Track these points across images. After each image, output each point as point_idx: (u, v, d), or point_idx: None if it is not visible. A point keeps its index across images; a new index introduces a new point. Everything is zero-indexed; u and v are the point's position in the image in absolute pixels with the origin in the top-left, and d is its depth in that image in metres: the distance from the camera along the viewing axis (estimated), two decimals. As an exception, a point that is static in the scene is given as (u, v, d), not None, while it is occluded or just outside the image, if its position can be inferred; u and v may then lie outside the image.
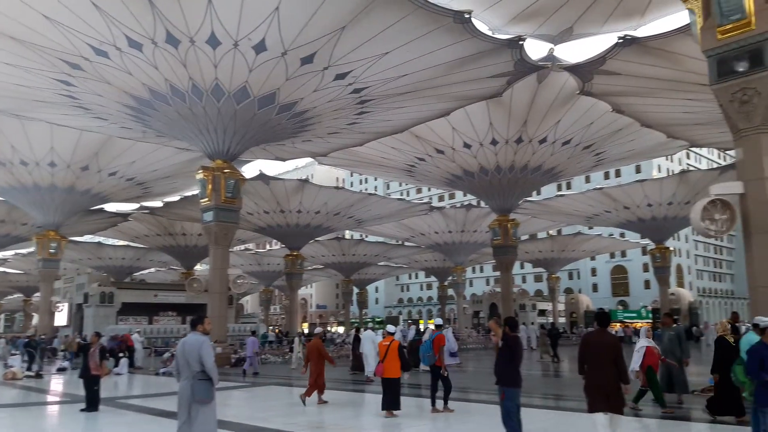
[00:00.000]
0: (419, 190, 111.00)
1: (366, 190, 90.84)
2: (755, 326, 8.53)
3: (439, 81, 21.72)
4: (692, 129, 27.31)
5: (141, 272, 67.85)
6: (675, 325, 13.80)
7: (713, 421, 10.27)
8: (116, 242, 63.28)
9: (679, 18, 17.73)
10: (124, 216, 45.79)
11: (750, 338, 8.49)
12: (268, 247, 77.00)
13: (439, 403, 11.58)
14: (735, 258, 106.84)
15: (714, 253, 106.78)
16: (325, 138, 27.48)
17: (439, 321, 13.40)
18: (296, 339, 25.88)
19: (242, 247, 65.66)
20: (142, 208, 43.56)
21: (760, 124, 12.08)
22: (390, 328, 13.12)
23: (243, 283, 28.95)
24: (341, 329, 69.26)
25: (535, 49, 21.89)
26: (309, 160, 36.59)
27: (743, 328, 17.10)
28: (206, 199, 24.41)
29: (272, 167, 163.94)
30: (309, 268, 65.88)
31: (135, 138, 27.49)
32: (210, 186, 24.15)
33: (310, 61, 19.38)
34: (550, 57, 22.75)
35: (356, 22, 17.72)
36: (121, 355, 23.65)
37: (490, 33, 19.36)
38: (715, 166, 70.10)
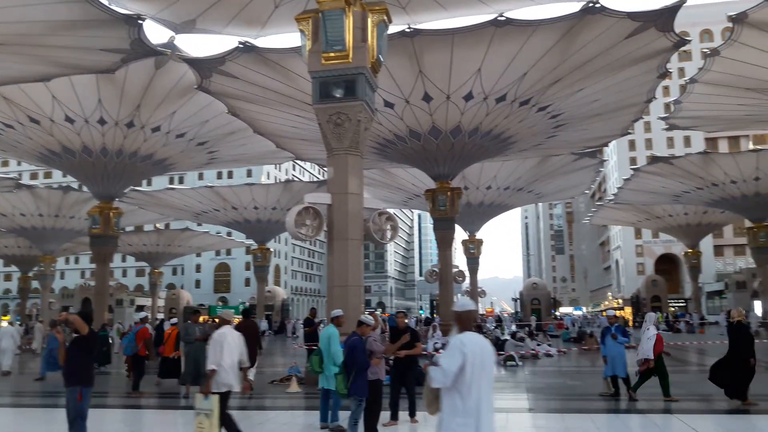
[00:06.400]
0: (6, 163, 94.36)
1: (-72, 154, 72.99)
2: (333, 319, 9.56)
3: (38, 40, 18.65)
4: (298, 143, 29.94)
5: None
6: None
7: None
8: None
9: (296, 38, 19.28)
10: None
11: (329, 330, 9.12)
12: None
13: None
14: (323, 261, 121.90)
15: (308, 256, 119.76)
16: None
17: (143, 314, 16.08)
18: (38, 325, 25.61)
19: None
20: None
21: (348, 146, 13.86)
22: (174, 320, 16.23)
23: None
24: None
25: (156, 33, 20.84)
26: None
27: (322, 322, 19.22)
28: None
29: None
30: None
31: None
32: None
33: None
34: (171, 45, 22.01)
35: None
36: None
37: (105, 1, 17.56)
38: (315, 179, 78.87)
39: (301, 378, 13.81)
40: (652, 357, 11.15)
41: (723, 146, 72.90)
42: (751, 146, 43.74)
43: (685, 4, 18.68)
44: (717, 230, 61.58)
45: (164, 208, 46.08)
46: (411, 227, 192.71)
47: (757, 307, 44.87)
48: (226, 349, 7.06)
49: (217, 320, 7.89)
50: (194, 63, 21.92)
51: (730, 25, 21.79)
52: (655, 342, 11.28)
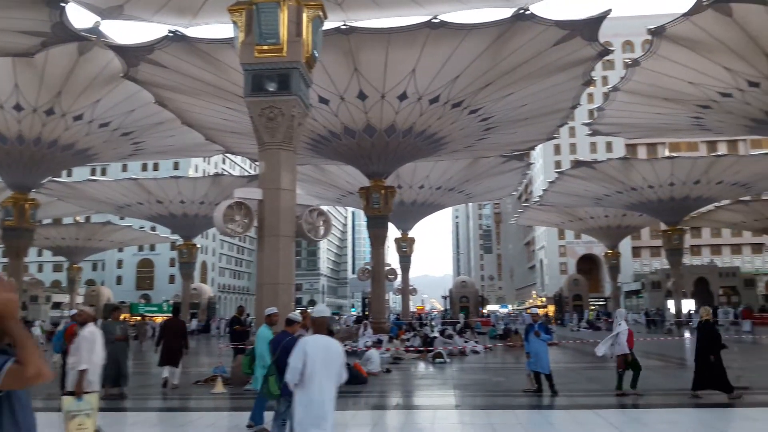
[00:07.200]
0: None
1: None
2: (266, 317, 9.33)
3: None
4: (229, 136, 29.28)
5: None
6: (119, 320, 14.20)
7: (697, 397, 10.81)
8: None
9: (229, 29, 18.79)
10: None
11: (263, 332, 8.84)
12: None
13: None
14: (253, 258, 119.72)
15: (237, 252, 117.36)
16: None
17: (74, 311, 14.09)
18: None
19: None
20: None
21: (281, 141, 13.64)
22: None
23: None
24: None
25: (80, 17, 19.88)
26: None
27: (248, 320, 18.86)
28: None
29: None
30: None
31: None
32: None
33: None
34: (96, 30, 21.04)
35: None
36: None
37: (25, -20, 16.61)
38: (246, 174, 77.38)
39: (226, 378, 13.51)
40: (628, 351, 11.45)
41: (642, 152, 76.83)
42: (667, 153, 46.33)
43: (608, 16, 19.55)
44: (635, 232, 64.86)
45: (85, 201, 44.02)
46: (344, 225, 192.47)
47: (671, 305, 47.54)
48: (97, 348, 6.99)
49: (81, 318, 7.61)
50: (121, 50, 21.04)
51: (650, 37, 23.00)
52: (626, 337, 11.57)
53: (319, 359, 4.87)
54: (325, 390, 4.83)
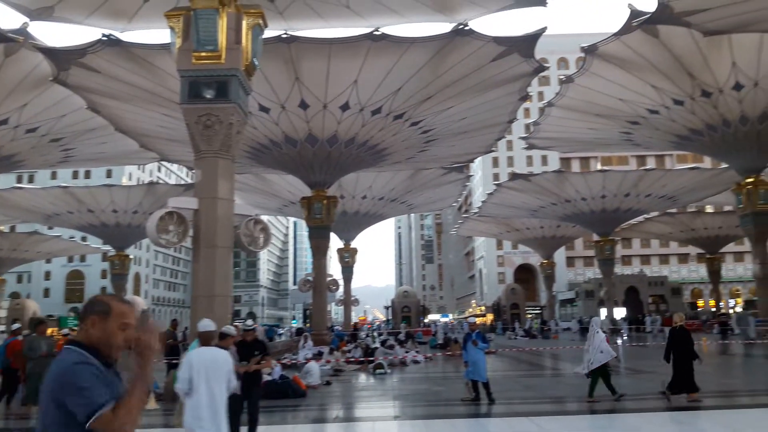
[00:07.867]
0: None
1: None
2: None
3: None
4: (165, 143, 28.48)
5: None
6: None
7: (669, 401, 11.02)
8: None
9: (166, 34, 18.34)
10: None
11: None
12: None
13: None
14: (189, 269, 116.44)
15: (172, 263, 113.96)
16: None
17: (16, 326, 13.94)
18: None
19: None
20: None
21: (218, 149, 13.33)
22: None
23: None
24: None
25: (7, 18, 18.96)
26: None
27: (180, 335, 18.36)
28: None
29: None
30: None
31: None
32: None
33: None
34: (24, 31, 20.07)
35: None
36: None
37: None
38: (182, 182, 75.40)
39: (159, 394, 13.03)
40: (615, 354, 11.70)
41: (575, 166, 79.54)
42: (599, 167, 48.18)
43: (544, 33, 20.21)
44: (569, 243, 66.94)
45: (9, 209, 41.84)
46: (286, 235, 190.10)
47: (603, 313, 49.20)
48: None
49: None
50: (50, 53, 20.15)
51: (583, 55, 23.91)
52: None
53: (203, 369, 5.37)
54: (215, 395, 5.30)
